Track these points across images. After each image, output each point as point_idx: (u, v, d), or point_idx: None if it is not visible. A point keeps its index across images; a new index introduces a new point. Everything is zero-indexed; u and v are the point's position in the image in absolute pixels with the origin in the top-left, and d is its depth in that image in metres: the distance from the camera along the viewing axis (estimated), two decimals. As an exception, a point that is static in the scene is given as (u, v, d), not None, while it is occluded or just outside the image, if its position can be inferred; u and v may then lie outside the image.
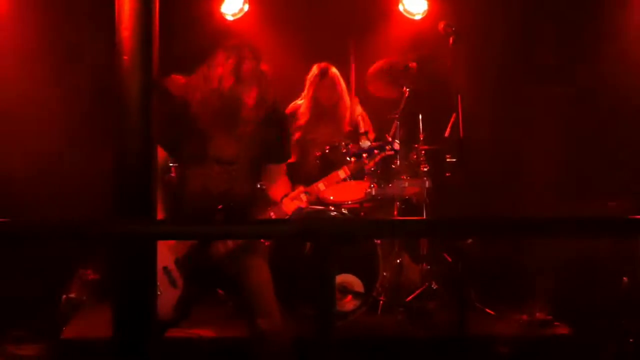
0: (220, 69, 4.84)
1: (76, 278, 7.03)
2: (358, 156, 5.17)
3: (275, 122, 4.96)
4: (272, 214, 4.83)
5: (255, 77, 4.83)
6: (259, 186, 5.07)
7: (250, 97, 4.81)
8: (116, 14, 3.14)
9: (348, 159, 5.15)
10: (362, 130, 6.91)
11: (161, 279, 4.64)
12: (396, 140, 5.42)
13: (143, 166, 3.21)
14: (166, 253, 4.63)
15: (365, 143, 5.39)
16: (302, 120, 7.01)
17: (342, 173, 5.12)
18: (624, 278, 6.51)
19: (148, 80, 3.17)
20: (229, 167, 4.80)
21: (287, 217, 4.87)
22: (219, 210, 4.70)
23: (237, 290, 4.84)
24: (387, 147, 5.28)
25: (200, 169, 4.78)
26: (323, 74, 7.01)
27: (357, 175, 5.98)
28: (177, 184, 4.81)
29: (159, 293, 4.56)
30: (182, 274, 4.69)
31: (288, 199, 4.89)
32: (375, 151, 5.27)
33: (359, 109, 7.11)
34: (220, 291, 5.92)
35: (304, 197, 4.92)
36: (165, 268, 4.66)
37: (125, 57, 3.15)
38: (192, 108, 4.79)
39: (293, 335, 4.76)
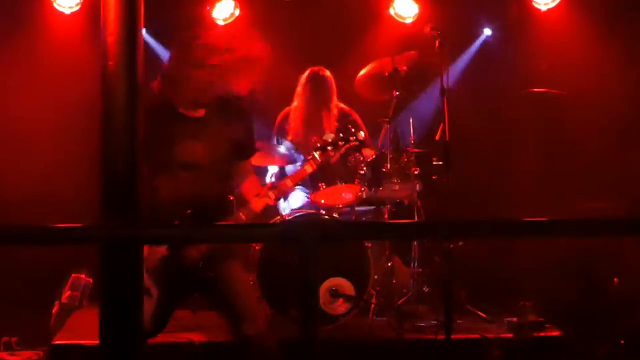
0: (173, 68, 4.77)
1: (69, 282, 7.04)
2: (323, 149, 5.17)
3: (238, 119, 4.92)
4: (241, 214, 4.78)
5: (207, 76, 4.69)
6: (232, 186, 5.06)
7: (206, 96, 4.75)
8: (101, 20, 3.17)
9: (314, 153, 5.12)
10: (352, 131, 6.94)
11: None
12: (360, 132, 5.43)
13: (129, 170, 3.23)
14: None
15: (329, 136, 5.37)
16: (293, 124, 7.02)
17: (308, 168, 5.11)
18: (615, 279, 6.54)
19: (134, 85, 3.19)
20: (196, 170, 4.75)
21: (257, 215, 4.82)
22: (188, 214, 4.66)
23: (217, 296, 4.81)
24: (351, 138, 5.30)
25: (168, 175, 4.73)
26: (315, 77, 7.02)
27: (324, 168, 6.02)
28: (148, 192, 4.68)
29: None
30: (156, 282, 4.65)
31: (257, 197, 4.83)
32: (340, 142, 5.26)
33: (350, 113, 7.11)
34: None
35: (271, 194, 4.87)
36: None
37: (111, 63, 3.18)
38: (154, 112, 4.63)
39: (280, 338, 4.77)
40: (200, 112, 4.84)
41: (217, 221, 4.69)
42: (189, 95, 4.74)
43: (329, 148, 5.13)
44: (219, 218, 4.74)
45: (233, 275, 4.77)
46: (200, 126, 4.80)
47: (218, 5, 7.85)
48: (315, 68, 7.06)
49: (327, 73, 7.03)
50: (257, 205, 4.82)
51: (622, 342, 6.21)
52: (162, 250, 4.66)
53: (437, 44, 5.50)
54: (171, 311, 4.84)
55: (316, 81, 6.99)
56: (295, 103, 7.09)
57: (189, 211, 4.66)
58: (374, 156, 6.55)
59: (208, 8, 7.86)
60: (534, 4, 7.88)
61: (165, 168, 4.73)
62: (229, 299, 4.73)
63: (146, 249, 4.63)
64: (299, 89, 7.05)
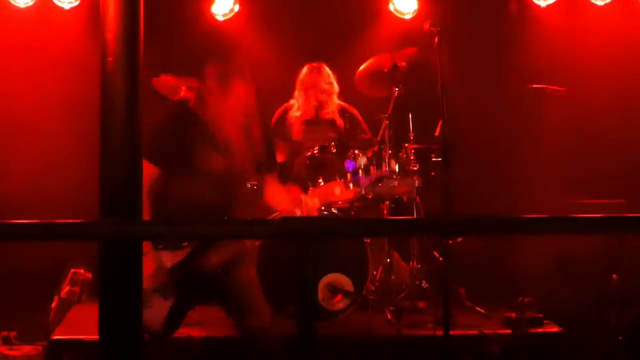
0: (208, 85, 4.93)
1: (69, 277, 7.05)
2: (354, 174, 5.22)
3: (257, 133, 5.04)
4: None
5: (239, 94, 4.91)
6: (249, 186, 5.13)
7: (234, 112, 4.89)
8: (101, 16, 3.17)
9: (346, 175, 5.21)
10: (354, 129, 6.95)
11: (153, 292, 4.68)
12: (392, 161, 5.48)
13: (128, 167, 3.23)
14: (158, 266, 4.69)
15: (363, 159, 5.42)
16: (292, 120, 7.01)
17: (337, 189, 5.20)
18: (613, 275, 6.54)
19: (133, 81, 3.19)
20: (218, 179, 4.84)
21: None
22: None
23: (225, 294, 4.88)
24: (383, 166, 5.34)
25: (189, 182, 4.82)
26: (315, 73, 7.01)
27: (324, 164, 6.11)
28: (167, 197, 4.81)
29: (149, 305, 4.61)
30: (174, 287, 4.71)
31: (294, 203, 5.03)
32: (372, 168, 5.29)
33: (350, 110, 7.11)
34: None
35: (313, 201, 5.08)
36: (160, 285, 4.70)
37: (110, 59, 3.18)
38: (182, 122, 4.88)
39: (282, 334, 4.79)
40: (229, 133, 4.92)
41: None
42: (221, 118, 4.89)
43: (360, 173, 5.19)
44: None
45: (242, 274, 4.85)
46: (225, 140, 4.89)
47: (217, 1, 7.82)
48: (314, 63, 7.05)
49: (326, 68, 7.02)
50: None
51: (620, 338, 6.23)
52: (182, 256, 4.72)
53: (436, 40, 5.49)
54: (184, 315, 4.88)
55: (314, 75, 6.97)
56: (293, 99, 7.07)
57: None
58: (373, 152, 6.55)
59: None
60: (533, 0, 7.90)
61: (187, 174, 4.83)
62: (236, 295, 4.81)
63: (168, 257, 4.69)
64: (298, 83, 7.04)
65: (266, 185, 5.15)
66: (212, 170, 4.84)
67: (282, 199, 5.18)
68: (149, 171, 4.69)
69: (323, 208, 6.31)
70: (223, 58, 5.14)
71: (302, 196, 5.08)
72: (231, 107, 4.90)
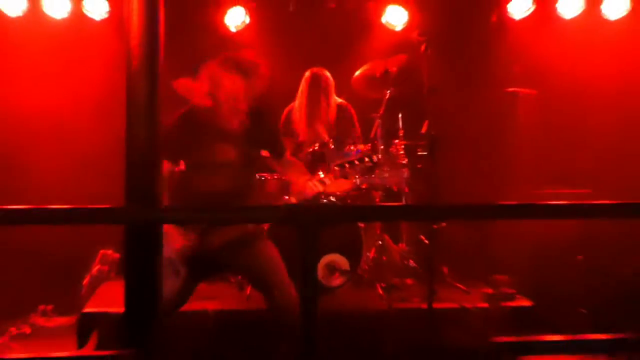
0: (203, 85, 4.89)
1: (99, 257, 7.05)
2: (341, 166, 5.21)
3: (262, 125, 4.99)
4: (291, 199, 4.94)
5: (231, 85, 4.85)
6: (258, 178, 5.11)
7: (234, 102, 4.85)
8: (126, 26, 3.16)
9: (335, 167, 5.18)
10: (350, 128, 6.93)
11: (166, 268, 4.66)
12: (376, 155, 5.47)
13: (150, 158, 3.22)
14: (171, 246, 4.67)
15: (349, 153, 5.43)
16: (296, 119, 7.00)
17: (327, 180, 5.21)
18: (579, 256, 6.53)
19: (154, 82, 3.18)
20: (228, 169, 4.82)
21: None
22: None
23: (252, 274, 4.86)
24: (365, 159, 5.32)
25: (203, 173, 4.81)
26: (316, 76, 7.00)
27: (323, 157, 6.14)
28: (183, 187, 4.80)
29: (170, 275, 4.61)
30: (184, 265, 4.70)
31: (310, 183, 4.97)
32: (357, 162, 5.28)
33: (347, 107, 7.09)
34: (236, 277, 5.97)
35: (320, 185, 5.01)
36: (169, 259, 4.67)
37: (135, 63, 3.17)
38: (189, 122, 4.86)
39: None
40: (235, 124, 4.87)
41: None
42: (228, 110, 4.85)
43: (347, 165, 5.17)
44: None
45: (262, 254, 4.80)
46: (234, 134, 4.86)
47: (230, 13, 7.79)
48: (315, 68, 7.04)
49: (326, 72, 7.01)
50: (310, 190, 4.95)
51: (583, 311, 6.22)
52: (191, 238, 4.70)
53: (423, 48, 5.48)
54: (193, 288, 4.85)
55: (316, 79, 6.96)
56: (298, 100, 7.05)
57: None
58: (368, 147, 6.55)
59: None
60: (508, 14, 7.87)
61: (204, 168, 4.81)
62: (260, 273, 4.76)
63: (179, 239, 4.68)
64: (302, 86, 7.03)
65: (288, 165, 5.14)
66: (223, 161, 4.81)
67: (302, 179, 5.13)
68: (166, 167, 4.69)
69: (322, 196, 6.31)
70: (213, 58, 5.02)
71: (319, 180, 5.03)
72: (229, 98, 4.84)
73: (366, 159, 5.29)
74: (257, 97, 4.92)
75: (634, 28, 7.67)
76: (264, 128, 4.99)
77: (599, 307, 6.15)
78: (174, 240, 4.68)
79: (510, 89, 7.43)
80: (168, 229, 4.66)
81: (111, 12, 7.49)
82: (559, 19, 7.81)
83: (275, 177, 6.31)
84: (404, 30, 7.79)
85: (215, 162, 4.81)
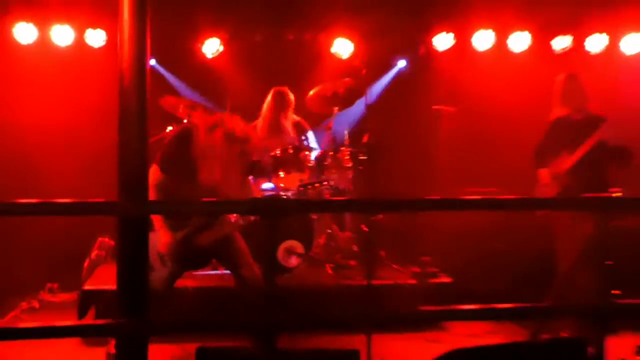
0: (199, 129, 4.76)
1: (97, 244, 6.96)
2: (305, 186, 5.29)
3: (238, 145, 4.88)
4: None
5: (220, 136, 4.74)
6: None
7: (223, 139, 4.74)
8: (119, 52, 3.13)
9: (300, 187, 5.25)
10: (301, 137, 6.92)
11: (156, 261, 4.61)
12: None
13: (140, 162, 3.19)
14: (164, 245, 4.62)
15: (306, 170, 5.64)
16: (261, 131, 6.96)
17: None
18: (499, 244, 6.57)
19: (142, 99, 3.16)
20: (211, 187, 4.70)
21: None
22: None
23: (226, 258, 4.80)
24: (324, 183, 5.37)
25: (192, 186, 4.68)
26: (278, 94, 6.97)
27: (283, 161, 6.30)
28: (169, 196, 4.66)
29: (154, 269, 4.55)
30: (171, 258, 4.64)
31: None
32: (317, 184, 5.58)
33: (302, 123, 7.09)
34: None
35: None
36: (159, 253, 4.63)
37: (126, 82, 3.14)
38: (184, 143, 4.73)
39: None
40: (215, 142, 4.77)
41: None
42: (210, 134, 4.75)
43: (309, 187, 5.22)
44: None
45: (233, 244, 4.75)
46: (216, 151, 4.75)
47: (207, 42, 7.75)
48: (278, 87, 7.02)
49: (287, 91, 6.99)
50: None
51: (491, 286, 6.27)
52: (180, 236, 4.63)
53: (363, 72, 5.50)
54: (179, 276, 4.82)
55: (279, 96, 6.94)
56: (263, 113, 7.02)
57: None
58: (320, 154, 6.55)
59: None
60: (434, 46, 7.94)
61: (189, 182, 4.69)
62: (231, 256, 4.73)
63: (168, 236, 4.62)
64: (267, 102, 7.00)
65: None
66: (204, 181, 4.70)
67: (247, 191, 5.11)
68: (158, 175, 4.62)
69: (282, 192, 6.31)
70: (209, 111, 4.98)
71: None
72: (216, 144, 4.72)
73: (324, 183, 5.37)
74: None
75: (532, 59, 7.81)
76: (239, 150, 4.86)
77: (507, 283, 6.23)
78: (164, 238, 4.62)
79: (435, 107, 7.49)
80: (159, 229, 4.62)
81: (108, 41, 7.44)
82: (474, 51, 7.91)
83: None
84: (349, 58, 7.81)
85: (198, 180, 4.70)
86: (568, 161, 5.18)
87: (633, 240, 6.25)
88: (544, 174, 5.36)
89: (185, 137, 4.77)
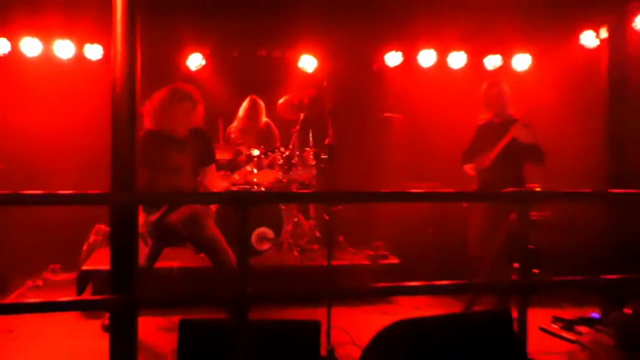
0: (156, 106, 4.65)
1: (94, 230, 6.85)
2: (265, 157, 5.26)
3: (202, 140, 4.81)
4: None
5: (187, 111, 4.65)
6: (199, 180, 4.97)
7: (186, 125, 4.69)
8: (112, 65, 3.10)
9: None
10: (273, 140, 6.88)
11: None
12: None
13: (129, 159, 3.14)
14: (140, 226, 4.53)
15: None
16: (235, 134, 6.92)
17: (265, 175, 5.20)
18: (430, 229, 6.62)
19: (132, 105, 3.11)
20: (178, 172, 4.66)
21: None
22: None
23: (201, 243, 4.74)
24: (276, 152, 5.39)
25: (161, 174, 4.62)
26: (252, 102, 6.93)
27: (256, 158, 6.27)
28: (148, 186, 4.56)
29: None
30: (151, 236, 4.57)
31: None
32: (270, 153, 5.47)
33: (272, 126, 7.05)
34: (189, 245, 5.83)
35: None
36: (140, 233, 4.55)
37: (117, 90, 3.10)
38: (155, 137, 4.65)
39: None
40: (182, 135, 4.71)
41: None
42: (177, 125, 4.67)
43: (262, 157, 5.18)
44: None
45: (208, 229, 4.69)
46: (183, 145, 4.70)
47: (190, 57, 7.66)
48: (252, 96, 6.98)
49: (259, 99, 6.96)
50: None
51: (433, 266, 6.32)
52: (155, 217, 4.56)
53: (325, 84, 5.47)
54: (160, 252, 4.74)
55: (252, 104, 6.91)
56: (238, 118, 6.97)
57: None
58: (287, 153, 6.52)
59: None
60: (385, 63, 7.96)
61: (160, 171, 4.62)
62: (208, 243, 4.67)
63: (143, 218, 4.54)
64: (242, 108, 6.95)
65: (208, 174, 4.86)
66: (173, 166, 4.64)
67: (219, 185, 5.04)
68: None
69: (255, 186, 6.26)
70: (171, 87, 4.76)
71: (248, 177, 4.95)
72: (177, 119, 4.65)
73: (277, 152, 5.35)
74: (199, 119, 4.76)
75: (468, 75, 7.86)
76: (202, 141, 4.81)
77: (445, 263, 6.29)
78: (141, 222, 4.53)
79: (387, 114, 7.51)
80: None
81: (104, 55, 7.30)
82: (420, 67, 7.93)
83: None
84: (314, 72, 7.79)
85: (169, 165, 4.64)
86: (487, 158, 5.17)
87: (550, 228, 6.36)
88: (469, 169, 5.36)
89: (150, 133, 4.66)
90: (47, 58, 7.26)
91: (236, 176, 5.19)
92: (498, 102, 5.28)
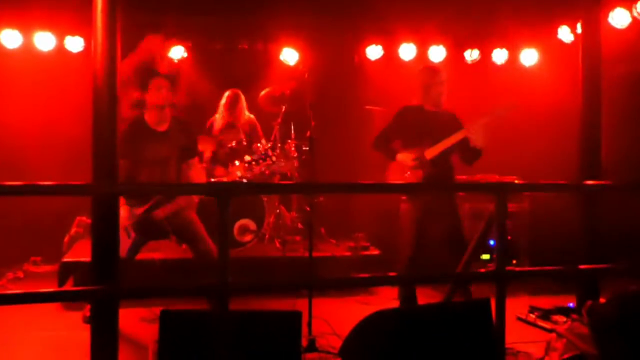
0: (131, 87, 4.63)
1: (76, 222, 6.79)
2: (256, 162, 5.49)
3: (185, 133, 4.78)
4: None
5: (157, 89, 4.59)
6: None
7: (168, 118, 4.66)
8: (92, 56, 3.08)
9: (246, 164, 5.21)
10: (255, 133, 6.85)
11: (122, 234, 4.51)
12: (273, 156, 5.75)
13: (111, 150, 3.12)
14: (124, 219, 4.52)
15: (255, 154, 5.77)
16: (217, 127, 6.87)
17: (239, 173, 5.38)
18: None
19: (113, 96, 3.09)
20: (162, 164, 4.63)
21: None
22: None
23: (184, 234, 4.73)
24: (267, 159, 5.63)
25: (145, 168, 4.60)
26: (233, 95, 6.88)
27: (240, 151, 6.29)
28: (130, 178, 4.52)
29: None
30: (134, 230, 4.58)
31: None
32: (261, 161, 5.56)
33: (252, 119, 7.02)
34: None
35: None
36: (124, 226, 4.53)
37: (99, 82, 3.08)
38: (136, 128, 4.64)
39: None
40: (164, 128, 4.69)
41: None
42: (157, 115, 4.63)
43: (252, 163, 5.19)
44: None
45: (190, 220, 4.68)
46: (164, 136, 4.67)
47: (173, 49, 7.59)
48: (233, 89, 6.94)
49: (240, 92, 6.92)
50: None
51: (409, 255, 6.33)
52: (140, 211, 4.55)
53: (306, 76, 5.45)
54: (142, 246, 4.74)
55: (233, 96, 6.86)
56: (220, 110, 6.93)
57: None
58: (269, 145, 6.50)
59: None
60: (367, 56, 7.96)
61: (143, 163, 4.59)
62: (189, 233, 4.66)
63: (128, 211, 4.52)
64: (223, 101, 6.90)
65: (191, 167, 4.80)
66: (155, 157, 4.62)
67: (201, 177, 5.01)
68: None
69: (239, 178, 6.24)
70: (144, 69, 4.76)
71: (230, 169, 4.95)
72: (156, 103, 4.60)
73: (268, 159, 5.40)
74: (181, 103, 4.76)
75: (448, 68, 7.78)
76: (184, 133, 4.77)
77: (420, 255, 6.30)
78: (124, 213, 4.52)
79: (367, 107, 7.51)
80: (122, 206, 4.49)
81: (85, 47, 7.22)
82: (400, 61, 7.94)
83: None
84: (295, 65, 7.76)
85: (152, 158, 4.62)
86: (434, 150, 4.79)
87: (529, 220, 6.43)
88: (408, 159, 4.89)
89: (132, 125, 4.63)
90: (28, 50, 7.16)
91: (227, 170, 5.21)
92: (437, 90, 4.93)
